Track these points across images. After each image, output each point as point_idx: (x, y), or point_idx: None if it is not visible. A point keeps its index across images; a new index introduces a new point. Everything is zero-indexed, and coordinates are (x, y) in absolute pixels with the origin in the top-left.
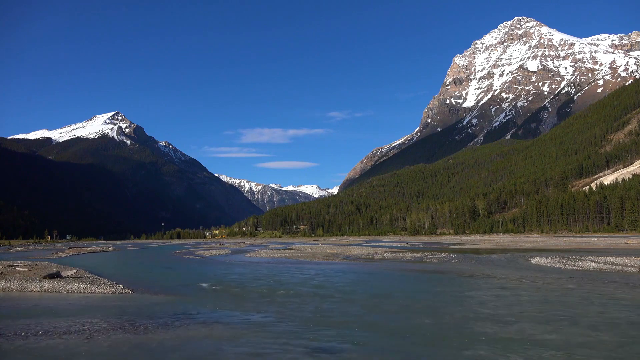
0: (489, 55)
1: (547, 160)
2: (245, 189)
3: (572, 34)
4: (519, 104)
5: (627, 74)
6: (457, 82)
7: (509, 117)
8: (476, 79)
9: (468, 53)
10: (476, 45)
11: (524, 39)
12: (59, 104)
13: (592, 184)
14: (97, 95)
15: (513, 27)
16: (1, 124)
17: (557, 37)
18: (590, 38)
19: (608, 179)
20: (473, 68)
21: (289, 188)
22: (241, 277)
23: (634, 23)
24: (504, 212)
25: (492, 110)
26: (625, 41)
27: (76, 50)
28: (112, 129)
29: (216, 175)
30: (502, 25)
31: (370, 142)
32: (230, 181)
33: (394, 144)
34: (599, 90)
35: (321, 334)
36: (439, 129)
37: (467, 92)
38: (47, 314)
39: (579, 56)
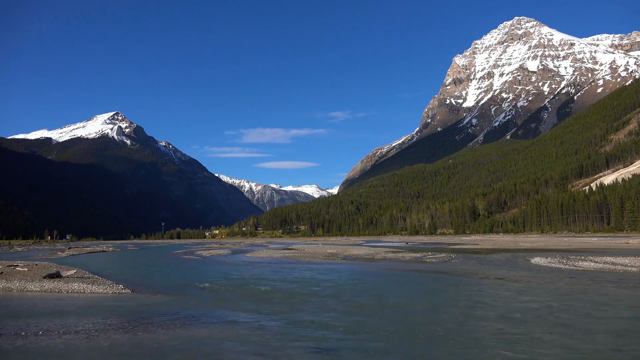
0: (489, 55)
1: (547, 160)
2: (245, 189)
3: (572, 34)
4: (519, 104)
5: (627, 74)
6: (457, 82)
7: (509, 117)
8: (476, 79)
9: (468, 53)
10: (476, 45)
11: (524, 39)
12: (59, 104)
13: (592, 184)
14: (97, 95)
15: (513, 27)
16: (1, 124)
17: (557, 37)
18: (590, 38)
19: (608, 179)
20: (473, 68)
21: (289, 188)
22: (241, 277)
23: (634, 23)
24: (504, 212)
25: (492, 110)
26: (625, 41)
27: (76, 50)
28: (112, 129)
29: (216, 175)
30: (502, 25)
31: (370, 142)
32: (230, 181)
33: (394, 144)
34: (599, 90)
35: (321, 334)
36: (439, 129)
37: (467, 92)
38: (47, 314)
39: (579, 56)
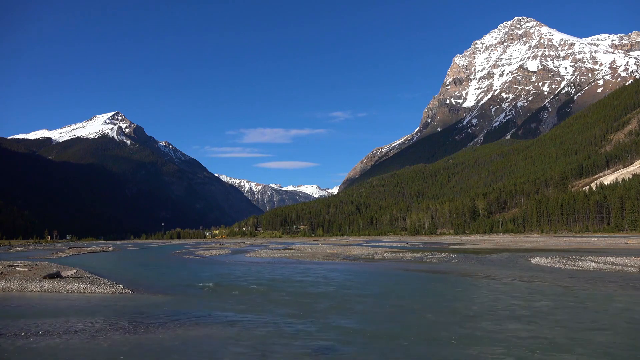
0: (489, 55)
1: (547, 160)
2: (245, 189)
3: (572, 34)
4: (519, 104)
5: (627, 74)
6: (457, 82)
7: (509, 117)
8: (476, 79)
9: (468, 53)
10: (476, 45)
11: (524, 39)
12: (59, 104)
13: (592, 184)
14: (97, 95)
15: (513, 27)
16: (1, 124)
17: (557, 37)
18: (590, 38)
19: (608, 179)
20: (473, 68)
21: (289, 188)
22: (241, 277)
23: (634, 23)
24: (504, 212)
25: (492, 110)
26: (625, 41)
27: (76, 50)
28: (112, 129)
29: (216, 175)
30: (502, 25)
31: (370, 142)
32: (230, 181)
33: (394, 144)
34: (599, 90)
35: (321, 334)
36: (439, 129)
37: (467, 92)
38: (47, 314)
39: (579, 56)
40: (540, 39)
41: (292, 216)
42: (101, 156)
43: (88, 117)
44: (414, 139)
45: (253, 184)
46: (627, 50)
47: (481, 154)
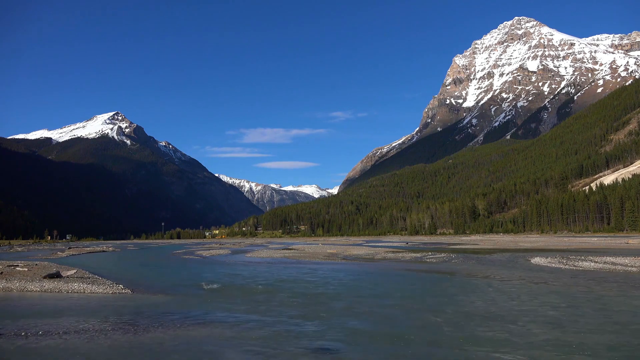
0: (489, 55)
1: (547, 160)
2: (245, 189)
3: (572, 34)
4: (519, 104)
5: (627, 74)
6: (457, 82)
7: (509, 117)
8: (476, 79)
9: (468, 53)
10: (476, 45)
11: (524, 39)
12: (59, 104)
13: (592, 184)
14: (97, 95)
15: (513, 27)
16: (1, 124)
17: (557, 37)
18: (590, 38)
19: (608, 179)
20: (473, 68)
21: (289, 188)
22: (241, 277)
23: (634, 23)
24: (504, 212)
25: (492, 110)
26: (625, 41)
27: (76, 50)
28: (112, 129)
29: (216, 175)
30: (502, 25)
31: (371, 142)
32: (230, 181)
33: (394, 144)
34: (599, 90)
35: (321, 334)
36: (439, 129)
37: (467, 92)
38: (47, 314)
39: (579, 56)
40: (540, 39)
41: (292, 216)
42: (101, 156)
43: (88, 117)
44: (414, 139)
45: (253, 184)
46: (627, 50)
47: (481, 154)
